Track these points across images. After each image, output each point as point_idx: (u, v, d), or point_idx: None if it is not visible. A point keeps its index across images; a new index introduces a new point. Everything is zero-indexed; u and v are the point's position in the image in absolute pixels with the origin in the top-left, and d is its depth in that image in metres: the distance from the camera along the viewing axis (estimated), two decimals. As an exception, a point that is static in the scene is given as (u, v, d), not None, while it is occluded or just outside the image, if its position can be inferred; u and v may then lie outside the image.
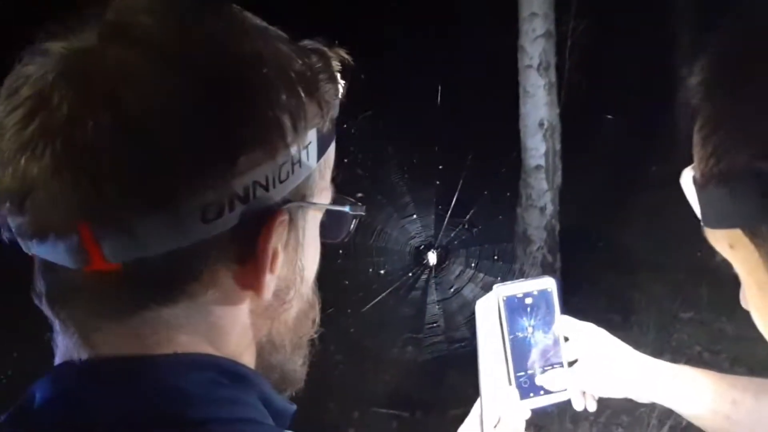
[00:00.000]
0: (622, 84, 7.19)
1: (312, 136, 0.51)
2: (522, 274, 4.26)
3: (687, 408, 0.88)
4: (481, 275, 4.41)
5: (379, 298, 4.19)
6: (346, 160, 3.77)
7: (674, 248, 5.17)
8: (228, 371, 0.50)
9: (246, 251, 0.49)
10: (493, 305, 0.91)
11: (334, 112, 0.54)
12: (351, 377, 3.85)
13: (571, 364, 0.94)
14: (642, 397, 0.92)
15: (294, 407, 0.55)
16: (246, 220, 0.47)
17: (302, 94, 0.49)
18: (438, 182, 4.26)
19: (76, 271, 0.46)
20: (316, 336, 0.61)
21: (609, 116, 6.69)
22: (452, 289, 4.46)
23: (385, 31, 5.65)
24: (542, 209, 4.18)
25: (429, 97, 4.18)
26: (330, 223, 0.57)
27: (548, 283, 0.95)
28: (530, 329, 0.92)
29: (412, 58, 5.43)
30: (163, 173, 0.44)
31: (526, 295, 0.93)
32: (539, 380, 0.91)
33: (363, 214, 0.58)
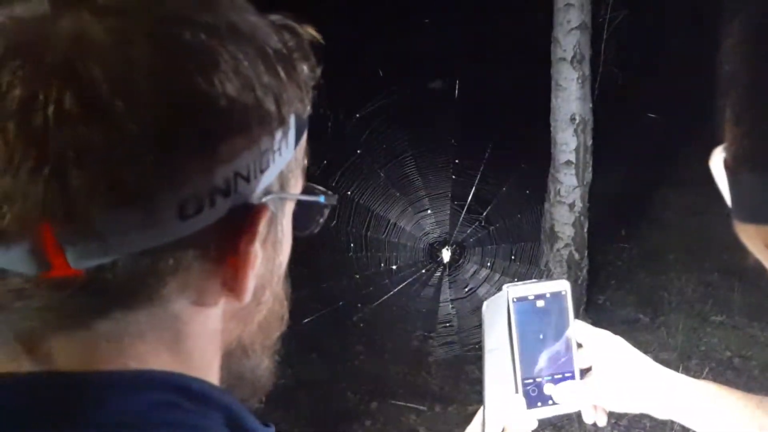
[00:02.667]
0: (658, 79, 7.02)
1: (291, 121, 0.47)
2: (548, 271, 4.18)
3: (708, 429, 0.82)
4: (497, 276, 4.24)
5: (390, 293, 4.06)
6: (359, 151, 3.74)
7: (706, 249, 5.04)
8: (186, 389, 0.44)
9: (227, 250, 0.44)
10: (503, 306, 0.86)
11: (310, 95, 0.49)
12: (370, 368, 3.83)
13: (583, 372, 0.88)
14: (660, 413, 0.86)
15: (271, 429, 0.49)
16: (227, 216, 0.43)
17: (282, 75, 0.45)
18: (454, 176, 4.08)
19: (28, 277, 0.40)
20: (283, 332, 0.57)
21: (651, 115, 6.51)
22: (466, 289, 4.30)
23: (410, 19, 5.57)
24: (571, 206, 4.09)
25: (447, 89, 4.05)
26: (301, 213, 0.52)
27: (562, 286, 0.89)
28: (541, 334, 0.86)
29: (431, 46, 5.35)
30: (136, 163, 0.39)
31: (538, 297, 0.87)
32: (548, 389, 0.86)
33: (335, 203, 0.54)
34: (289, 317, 0.56)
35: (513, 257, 4.29)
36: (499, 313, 0.85)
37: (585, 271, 4.20)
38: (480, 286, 4.27)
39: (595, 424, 0.91)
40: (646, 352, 0.95)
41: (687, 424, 0.83)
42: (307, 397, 3.47)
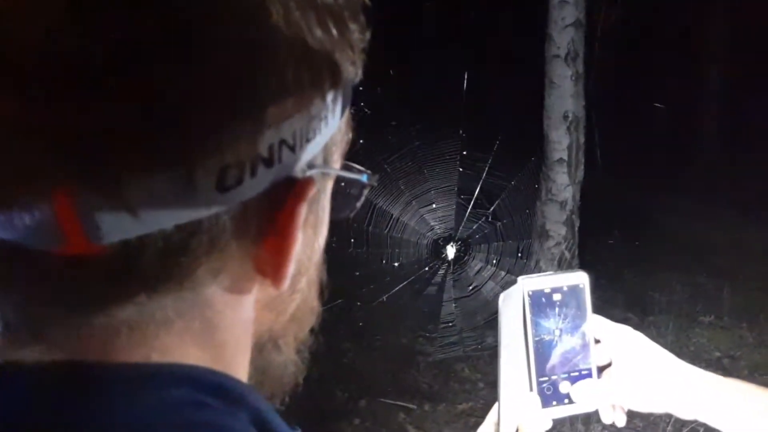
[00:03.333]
0: (652, 78, 7.03)
1: (338, 87, 0.41)
2: (538, 271, 4.16)
3: (737, 429, 0.77)
4: (503, 273, 4.08)
5: (392, 291, 3.91)
6: (362, 141, 3.61)
7: (695, 250, 5.05)
8: (215, 387, 0.39)
9: (267, 229, 0.39)
10: (518, 300, 0.81)
11: (361, 60, 0.43)
12: (359, 366, 3.80)
13: (601, 370, 0.84)
14: (684, 412, 0.80)
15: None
16: (269, 190, 0.38)
17: (333, 31, 0.39)
18: (461, 169, 3.88)
19: (40, 253, 0.34)
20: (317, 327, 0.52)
21: (657, 105, 6.46)
22: (471, 287, 4.13)
23: (414, 10, 5.47)
24: (562, 204, 4.08)
25: (455, 79, 3.88)
26: (339, 193, 0.47)
27: (580, 278, 0.85)
28: (557, 330, 0.81)
29: (439, 35, 5.25)
30: (171, 121, 0.33)
31: (555, 290, 0.82)
32: (564, 388, 0.81)
33: (375, 184, 0.49)
34: None
35: (520, 254, 4.13)
36: (514, 307, 0.80)
37: (576, 270, 4.18)
38: (485, 284, 4.12)
39: (586, 425, 0.87)
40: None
41: (713, 424, 0.78)
42: (294, 395, 3.43)
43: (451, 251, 4.16)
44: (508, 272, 4.08)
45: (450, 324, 4.05)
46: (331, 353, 3.84)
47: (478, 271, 4.19)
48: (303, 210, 0.40)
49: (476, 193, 3.95)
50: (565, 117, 3.88)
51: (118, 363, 0.37)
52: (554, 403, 0.81)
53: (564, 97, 3.84)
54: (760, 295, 4.36)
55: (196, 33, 0.34)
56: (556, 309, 0.82)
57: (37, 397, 0.36)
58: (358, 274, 3.88)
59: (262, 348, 0.47)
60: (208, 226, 0.36)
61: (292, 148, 0.38)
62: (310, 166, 0.40)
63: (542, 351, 0.81)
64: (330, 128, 0.41)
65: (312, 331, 0.51)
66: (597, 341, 0.84)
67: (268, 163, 0.37)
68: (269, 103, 0.36)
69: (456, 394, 3.58)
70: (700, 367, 0.88)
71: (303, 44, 0.37)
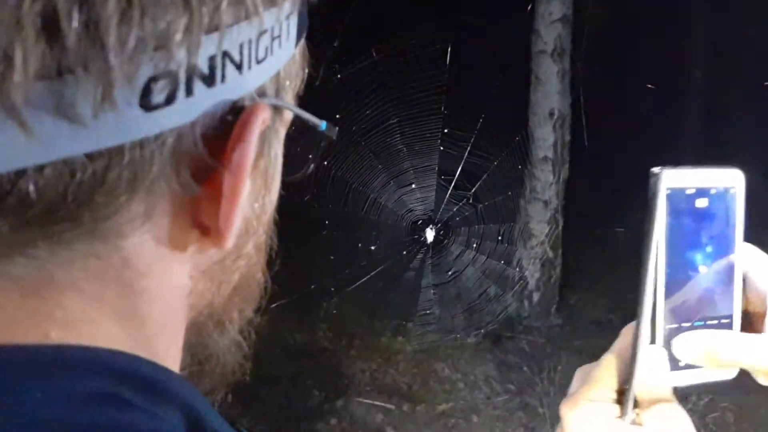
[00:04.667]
0: (640, 76, 7.01)
1: (294, 2, 0.34)
2: (520, 269, 4.11)
3: None
4: (483, 258, 3.88)
5: (367, 277, 3.67)
6: (338, 116, 3.26)
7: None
8: (133, 377, 0.30)
9: (208, 166, 0.31)
10: (652, 199, 0.56)
11: None
12: (336, 364, 3.72)
13: (748, 317, 0.58)
14: None
15: None
16: (209, 115, 0.30)
17: None
18: (442, 148, 3.63)
19: None
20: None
21: (650, 86, 6.39)
22: (450, 273, 3.94)
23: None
24: (546, 203, 4.02)
25: (437, 54, 3.53)
26: (293, 144, 0.38)
27: (734, 179, 0.58)
28: (698, 255, 0.56)
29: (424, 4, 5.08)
30: (81, 5, 0.26)
31: (701, 193, 0.56)
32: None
33: (335, 137, 0.40)
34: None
35: (500, 238, 3.94)
36: (649, 208, 0.56)
37: (558, 270, 4.15)
38: (465, 269, 3.93)
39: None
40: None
41: None
42: (269, 394, 3.34)
43: (430, 234, 3.98)
44: (488, 257, 3.92)
45: (428, 312, 3.88)
46: (306, 348, 3.75)
47: (457, 256, 4.01)
48: (252, 147, 0.31)
49: (457, 173, 3.75)
50: (551, 114, 3.83)
51: (4, 346, 0.29)
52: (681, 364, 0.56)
53: (550, 94, 3.79)
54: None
55: None
56: (700, 221, 0.57)
57: None
58: (332, 258, 3.70)
59: (200, 328, 0.38)
60: (131, 156, 0.28)
61: (239, 66, 0.30)
62: (261, 94, 0.32)
63: (674, 285, 0.56)
64: (284, 52, 0.34)
65: (258, 310, 0.42)
66: (745, 279, 0.58)
67: (208, 80, 0.29)
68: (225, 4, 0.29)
69: (435, 395, 3.51)
70: (683, 369, 0.69)
71: None
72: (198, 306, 0.37)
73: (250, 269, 0.39)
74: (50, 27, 0.26)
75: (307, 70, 0.38)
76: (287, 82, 0.35)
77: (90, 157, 0.27)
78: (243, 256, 0.37)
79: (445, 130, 3.64)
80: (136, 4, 0.27)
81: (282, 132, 0.37)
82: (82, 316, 0.31)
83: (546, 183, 3.98)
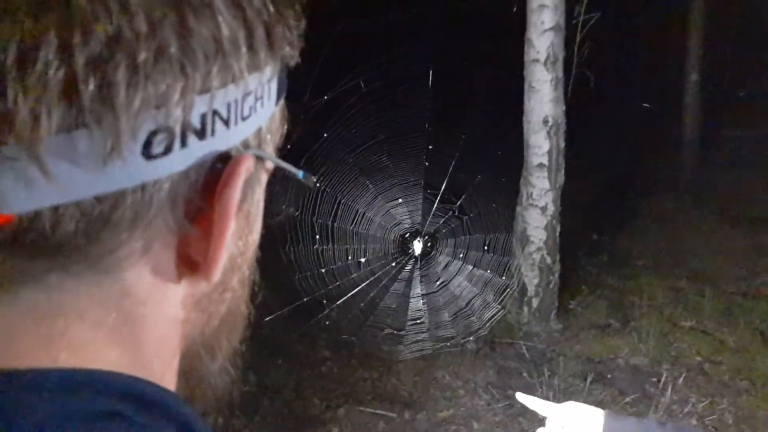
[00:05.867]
0: (633, 84, 7.05)
1: (275, 68, 0.39)
2: (519, 275, 4.13)
3: None
4: (470, 267, 4.10)
5: (358, 288, 3.87)
6: (326, 135, 3.47)
7: (677, 255, 5.06)
8: (137, 396, 0.34)
9: (199, 208, 0.36)
10: None
11: (298, 44, 0.40)
12: (337, 373, 3.73)
13: None
14: None
15: None
16: (200, 164, 0.35)
17: (271, 6, 0.37)
18: (428, 163, 3.87)
19: None
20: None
21: (645, 105, 6.50)
22: (438, 282, 4.14)
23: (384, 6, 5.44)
24: (543, 209, 4.05)
25: (421, 72, 3.74)
26: (275, 191, 0.45)
27: None
28: None
29: (403, 26, 5.22)
30: (96, 72, 0.30)
31: None
32: None
33: (312, 186, 0.45)
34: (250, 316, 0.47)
35: (486, 248, 4.12)
36: None
37: (557, 275, 4.17)
38: (452, 279, 4.10)
39: None
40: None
41: None
42: (271, 404, 3.36)
43: (417, 246, 4.16)
44: (475, 266, 4.08)
45: (418, 321, 4.01)
46: (308, 359, 3.77)
47: (445, 266, 4.19)
48: (237, 191, 0.36)
49: (443, 187, 3.94)
50: (545, 122, 3.86)
51: (18, 371, 0.32)
52: None
53: (544, 101, 3.82)
54: (741, 299, 4.36)
55: None
56: None
57: None
58: (324, 270, 3.82)
59: (193, 355, 0.42)
60: (133, 199, 0.32)
61: (226, 122, 0.35)
62: (245, 146, 0.37)
63: None
64: (266, 110, 0.38)
65: (242, 342, 0.46)
66: None
67: (200, 134, 0.34)
68: (200, 64, 0.33)
69: (436, 402, 3.53)
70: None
71: (241, 9, 0.35)
72: (191, 335, 0.41)
73: (236, 301, 0.43)
74: (70, 89, 0.30)
75: (285, 126, 0.43)
76: (268, 136, 0.40)
77: (98, 199, 0.31)
78: (229, 289, 0.41)
79: (430, 147, 3.82)
80: (141, 71, 0.31)
81: (264, 179, 0.41)
82: (87, 341, 0.34)
83: (542, 190, 4.01)
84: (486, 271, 4.06)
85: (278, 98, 0.40)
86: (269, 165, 0.41)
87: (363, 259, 3.97)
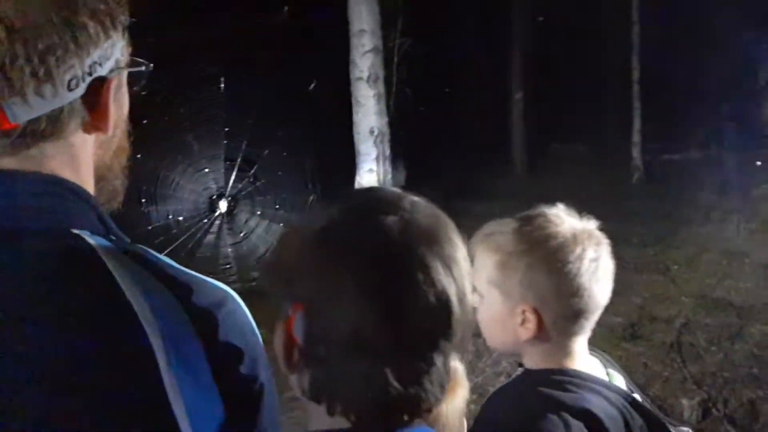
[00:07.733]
0: (445, 95, 7.79)
1: (120, 30, 0.75)
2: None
3: None
4: (266, 222, 5.39)
5: (178, 242, 5.00)
6: (145, 121, 4.17)
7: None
8: (72, 190, 0.72)
9: (95, 104, 0.72)
10: None
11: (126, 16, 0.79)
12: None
13: None
14: None
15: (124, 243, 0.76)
16: (93, 86, 0.71)
17: (104, 6, 0.73)
18: (226, 141, 5.17)
19: None
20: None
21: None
22: (242, 234, 5.42)
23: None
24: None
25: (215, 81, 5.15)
26: (132, 79, 0.81)
27: None
28: None
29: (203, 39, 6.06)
30: (46, 59, 0.67)
31: None
32: None
33: (151, 70, 0.84)
34: None
35: (278, 206, 5.44)
36: None
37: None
38: (253, 231, 5.41)
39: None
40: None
41: None
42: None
43: (223, 205, 5.40)
44: (270, 220, 5.39)
45: (228, 266, 5.19)
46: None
47: (246, 221, 5.46)
48: (113, 91, 0.76)
49: (239, 160, 5.24)
50: (371, 132, 4.39)
51: (20, 170, 0.71)
52: None
53: (369, 114, 4.34)
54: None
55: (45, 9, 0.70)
56: None
57: None
58: (150, 229, 4.86)
59: (102, 171, 0.80)
60: (68, 107, 0.72)
61: (101, 65, 0.74)
62: (111, 70, 0.76)
63: None
64: (120, 45, 0.76)
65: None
66: None
67: (90, 74, 0.73)
68: (91, 45, 0.72)
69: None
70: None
71: (105, 3, 0.74)
72: (101, 161, 0.81)
73: (121, 142, 0.83)
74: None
75: (130, 48, 0.81)
76: (122, 57, 0.78)
77: (53, 111, 0.71)
78: (116, 135, 0.81)
79: (226, 129, 5.15)
80: (68, 48, 0.70)
81: (125, 78, 0.81)
82: (56, 167, 0.74)
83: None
84: (280, 224, 5.32)
85: (123, 36, 0.77)
86: (125, 74, 0.80)
87: (180, 218, 5.18)
